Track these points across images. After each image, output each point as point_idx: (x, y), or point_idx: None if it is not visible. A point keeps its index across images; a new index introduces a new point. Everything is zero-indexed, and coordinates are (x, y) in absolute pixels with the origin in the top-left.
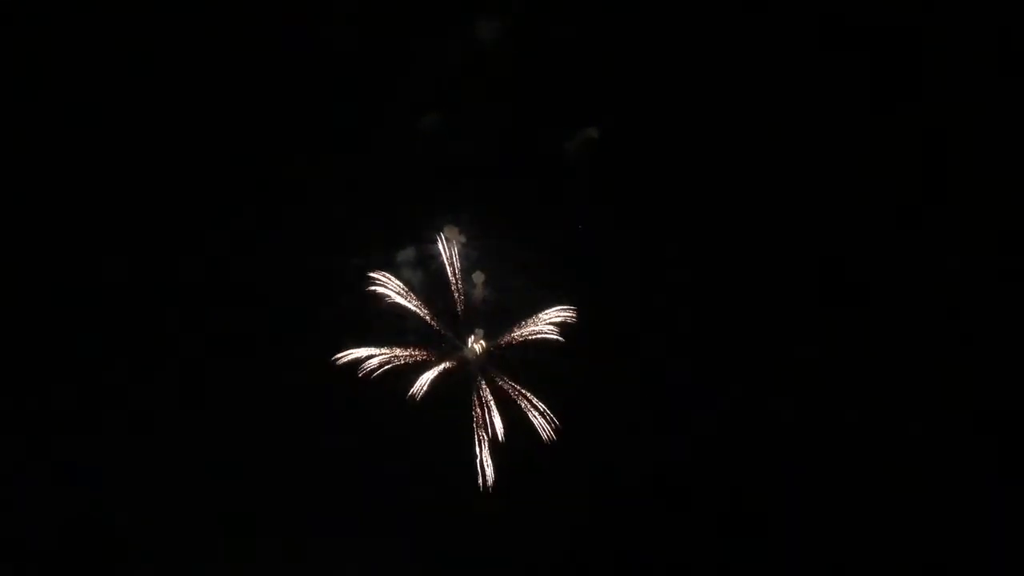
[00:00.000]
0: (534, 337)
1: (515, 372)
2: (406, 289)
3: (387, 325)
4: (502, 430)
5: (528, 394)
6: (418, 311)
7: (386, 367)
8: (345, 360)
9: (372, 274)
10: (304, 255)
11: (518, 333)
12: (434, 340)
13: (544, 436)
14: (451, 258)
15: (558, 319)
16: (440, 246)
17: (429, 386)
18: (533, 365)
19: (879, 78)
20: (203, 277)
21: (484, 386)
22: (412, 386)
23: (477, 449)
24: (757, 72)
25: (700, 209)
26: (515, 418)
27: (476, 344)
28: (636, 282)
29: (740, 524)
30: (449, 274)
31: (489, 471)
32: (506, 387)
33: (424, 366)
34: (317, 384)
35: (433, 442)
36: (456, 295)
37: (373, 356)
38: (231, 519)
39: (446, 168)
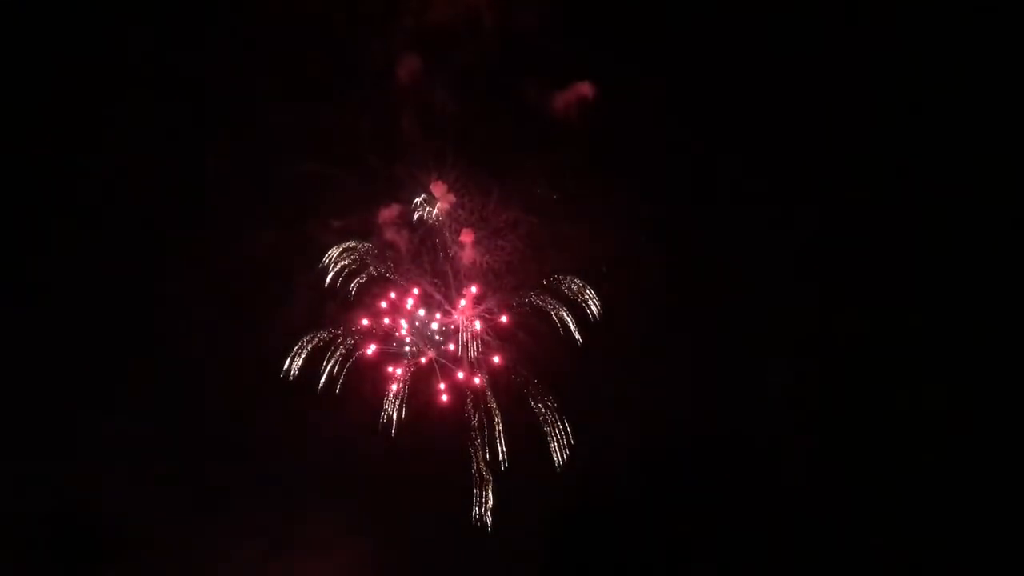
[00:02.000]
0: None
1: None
2: (377, 258)
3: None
4: (505, 452)
5: (548, 400)
6: (396, 280)
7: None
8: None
9: (333, 249)
10: (277, 216)
11: (521, 301)
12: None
13: (556, 463)
14: (434, 217)
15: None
16: (425, 205)
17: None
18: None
19: None
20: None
21: (484, 384)
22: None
23: (474, 479)
24: (760, 31)
25: (701, 174)
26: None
27: (469, 322)
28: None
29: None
30: (437, 234)
31: (488, 506)
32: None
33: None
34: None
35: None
36: (444, 256)
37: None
38: (218, 514)
39: (429, 119)
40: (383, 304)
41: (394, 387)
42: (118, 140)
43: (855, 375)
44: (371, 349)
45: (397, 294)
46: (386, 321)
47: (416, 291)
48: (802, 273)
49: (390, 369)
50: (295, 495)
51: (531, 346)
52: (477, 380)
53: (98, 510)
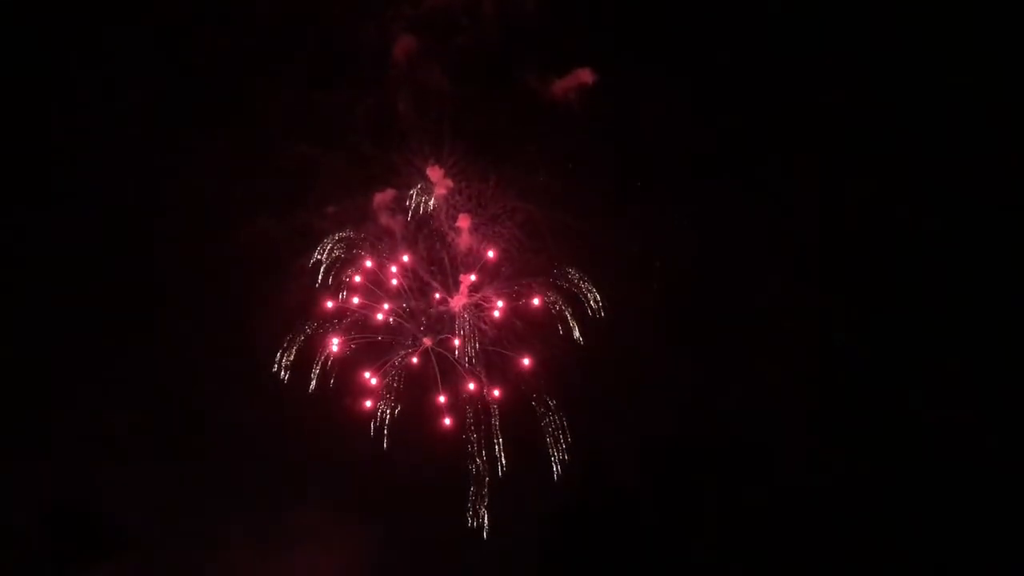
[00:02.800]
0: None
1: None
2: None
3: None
4: (502, 450)
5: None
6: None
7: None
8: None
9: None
10: (270, 204)
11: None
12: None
13: (554, 462)
14: (431, 205)
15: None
16: (423, 194)
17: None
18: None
19: None
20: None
21: (485, 383)
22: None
23: (471, 478)
24: (765, 21)
25: (704, 164)
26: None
27: (466, 311)
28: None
29: None
30: (433, 220)
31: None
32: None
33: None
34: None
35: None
36: (440, 242)
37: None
38: (215, 513)
39: (426, 103)
40: (358, 279)
41: (386, 388)
42: (107, 126)
43: (855, 375)
44: (335, 343)
45: (386, 275)
46: (356, 301)
47: (406, 258)
48: (803, 272)
49: (367, 377)
50: (289, 494)
51: (530, 340)
52: (483, 392)
53: (96, 507)
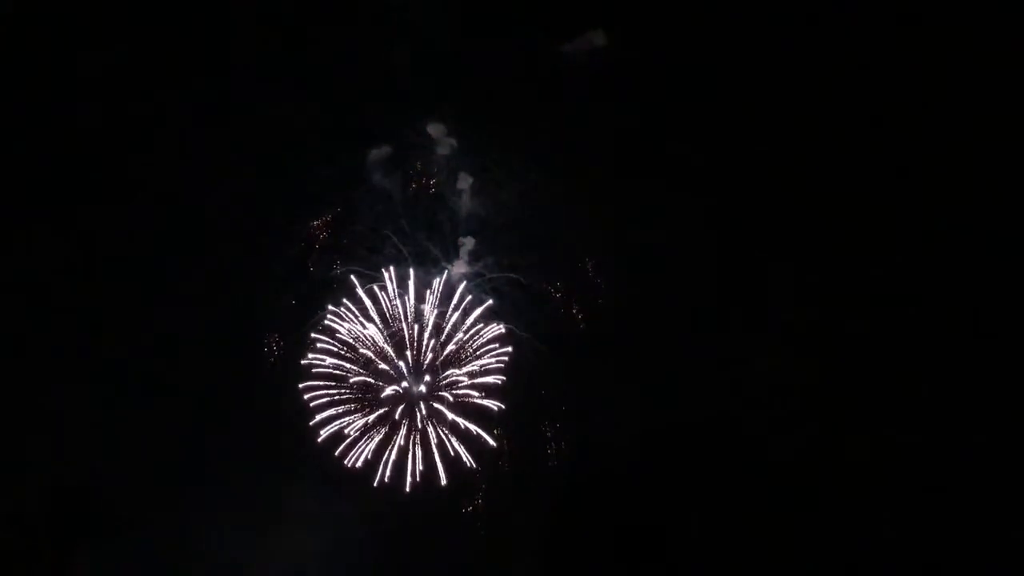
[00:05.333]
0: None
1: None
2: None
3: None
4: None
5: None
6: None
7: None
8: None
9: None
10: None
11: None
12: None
13: (550, 448)
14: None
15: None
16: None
17: None
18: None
19: None
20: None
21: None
22: None
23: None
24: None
25: (715, 132)
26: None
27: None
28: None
29: None
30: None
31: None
32: None
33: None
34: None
35: None
36: (439, 204)
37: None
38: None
39: (426, 55)
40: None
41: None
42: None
43: (848, 367)
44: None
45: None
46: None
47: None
48: (797, 264)
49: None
50: (281, 475)
51: (529, 320)
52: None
53: (93, 489)
